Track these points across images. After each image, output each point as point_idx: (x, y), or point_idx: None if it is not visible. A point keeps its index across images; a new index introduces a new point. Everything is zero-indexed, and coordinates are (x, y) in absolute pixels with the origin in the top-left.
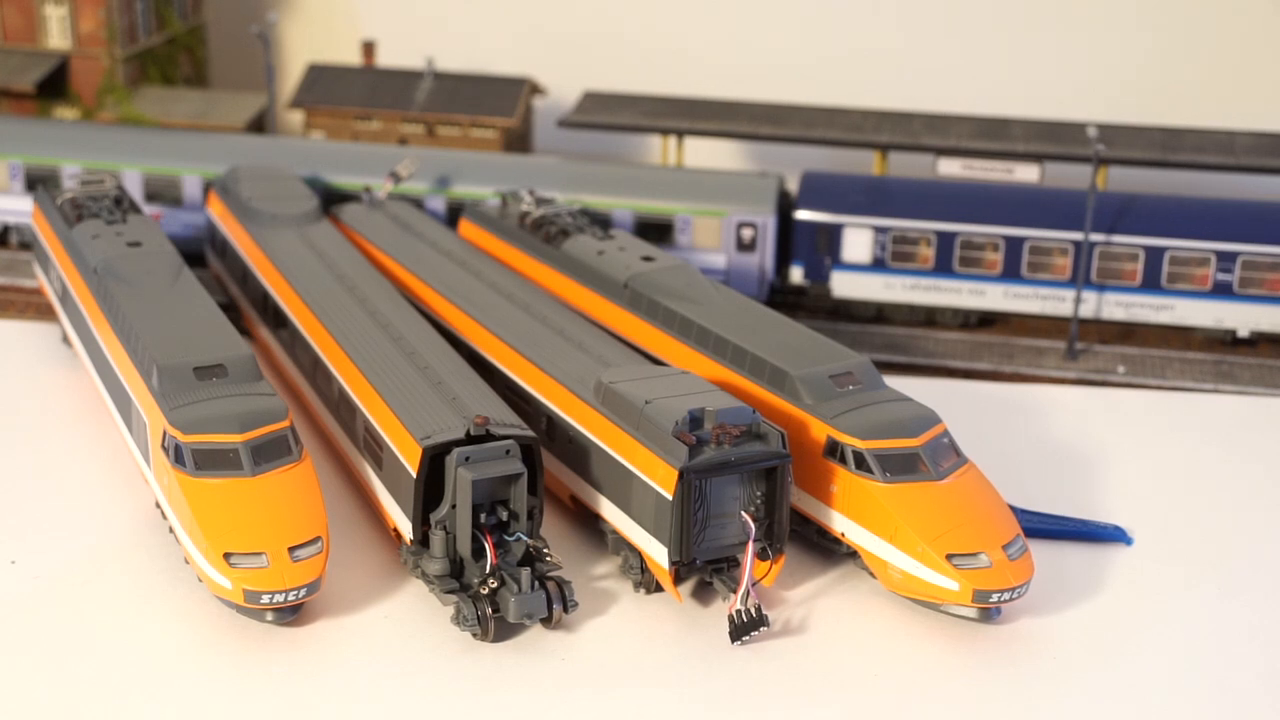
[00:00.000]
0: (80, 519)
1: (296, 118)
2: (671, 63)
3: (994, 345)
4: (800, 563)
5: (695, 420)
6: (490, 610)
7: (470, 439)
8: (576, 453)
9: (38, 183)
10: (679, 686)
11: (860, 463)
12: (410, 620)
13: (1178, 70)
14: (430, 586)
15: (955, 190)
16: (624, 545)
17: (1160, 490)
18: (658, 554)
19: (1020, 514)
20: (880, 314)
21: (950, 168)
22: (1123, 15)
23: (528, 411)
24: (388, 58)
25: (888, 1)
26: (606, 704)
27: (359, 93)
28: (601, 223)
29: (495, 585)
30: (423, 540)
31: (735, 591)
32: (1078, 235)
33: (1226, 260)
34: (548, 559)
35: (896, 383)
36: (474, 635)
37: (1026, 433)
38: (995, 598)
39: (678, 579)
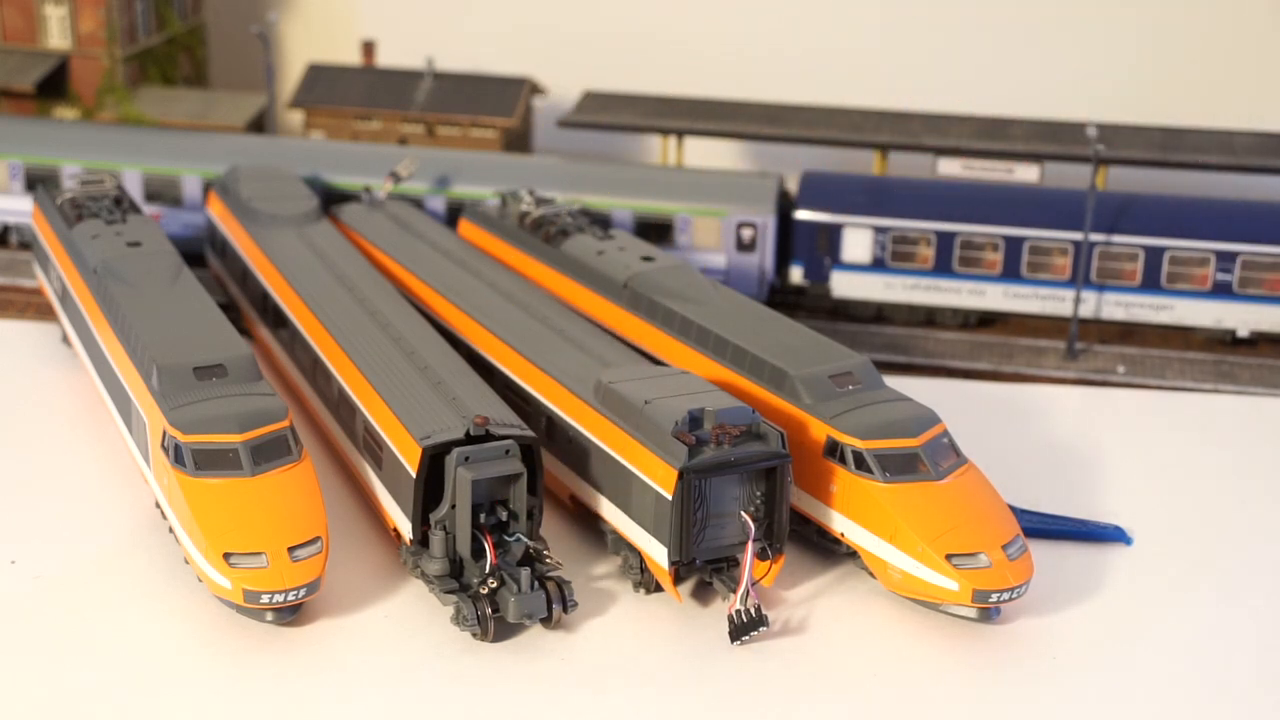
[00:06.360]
0: (80, 519)
1: (296, 118)
2: (671, 63)
3: (994, 345)
4: (800, 563)
5: (695, 420)
6: (490, 610)
7: (470, 439)
8: (576, 453)
9: (38, 183)
10: (679, 686)
11: (860, 463)
12: (410, 620)
13: (1178, 70)
14: (430, 586)
15: (955, 190)
16: (624, 545)
17: (1160, 490)
18: (657, 554)
19: (1020, 514)
20: (880, 314)
21: (950, 168)
22: (1123, 15)
23: (528, 411)
24: (388, 58)
25: (888, 1)
26: (606, 704)
27: (359, 93)
28: (601, 223)
29: (495, 585)
30: (422, 540)
31: (735, 591)
32: (1077, 235)
33: (1226, 260)
34: (547, 560)
35: (896, 383)
36: (474, 635)
37: (1026, 433)
38: (995, 598)
39: (677, 579)
